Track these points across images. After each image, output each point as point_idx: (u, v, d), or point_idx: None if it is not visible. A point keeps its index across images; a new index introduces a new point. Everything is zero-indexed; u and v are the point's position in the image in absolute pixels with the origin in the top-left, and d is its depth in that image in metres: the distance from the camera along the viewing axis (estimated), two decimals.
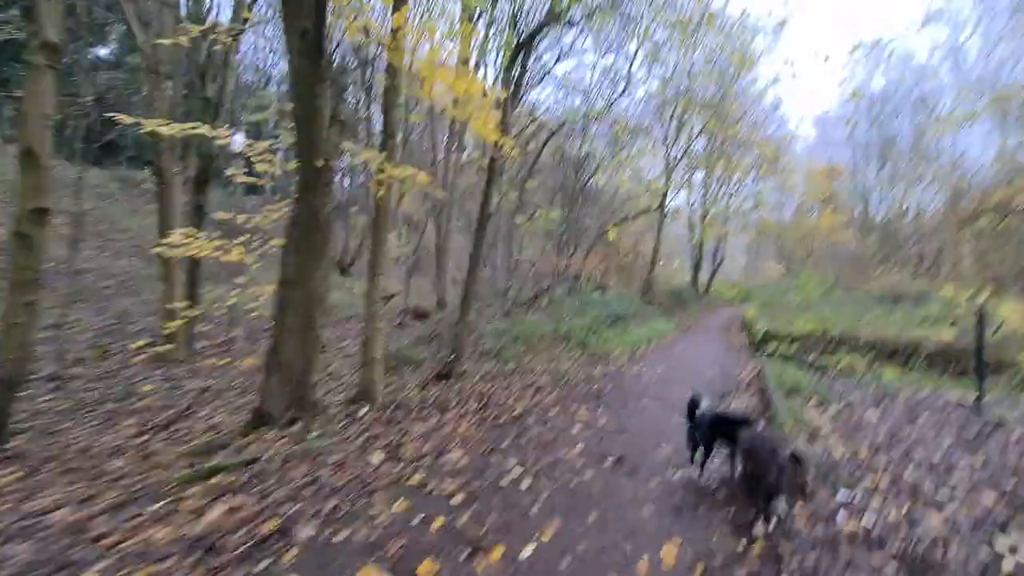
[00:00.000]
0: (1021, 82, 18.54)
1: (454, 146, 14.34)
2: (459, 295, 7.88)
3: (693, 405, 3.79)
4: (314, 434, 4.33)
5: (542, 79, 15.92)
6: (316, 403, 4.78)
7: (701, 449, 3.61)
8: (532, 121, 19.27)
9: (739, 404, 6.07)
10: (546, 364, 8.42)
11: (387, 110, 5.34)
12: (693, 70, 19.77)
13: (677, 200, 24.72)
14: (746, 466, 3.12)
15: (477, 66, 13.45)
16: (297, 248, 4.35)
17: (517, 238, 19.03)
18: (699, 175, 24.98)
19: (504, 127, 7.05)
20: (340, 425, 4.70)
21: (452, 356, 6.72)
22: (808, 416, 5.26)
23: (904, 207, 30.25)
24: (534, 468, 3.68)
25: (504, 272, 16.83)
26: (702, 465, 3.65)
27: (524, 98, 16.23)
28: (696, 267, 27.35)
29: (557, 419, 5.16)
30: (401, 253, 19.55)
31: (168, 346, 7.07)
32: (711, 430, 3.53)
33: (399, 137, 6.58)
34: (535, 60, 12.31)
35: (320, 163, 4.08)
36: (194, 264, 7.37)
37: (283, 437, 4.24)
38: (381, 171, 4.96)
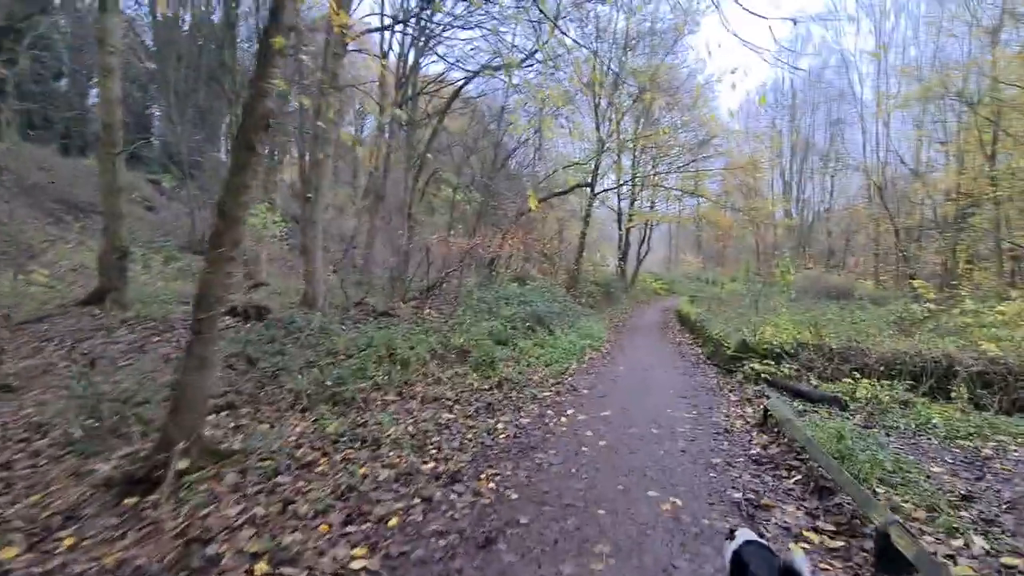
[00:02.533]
0: (945, 71, 17.99)
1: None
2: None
3: None
4: None
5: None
6: None
7: None
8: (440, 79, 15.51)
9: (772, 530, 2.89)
10: (415, 411, 4.82)
11: None
12: (629, 32, 17.11)
13: (606, 182, 22.06)
14: None
15: None
16: None
17: (418, 214, 15.14)
18: (629, 158, 22.56)
19: None
20: None
21: (160, 444, 2.87)
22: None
23: (823, 201, 30.55)
24: None
25: (399, 255, 12.88)
26: None
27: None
28: (623, 257, 25.12)
29: None
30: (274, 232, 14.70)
31: None
32: None
33: None
34: None
35: None
36: None
37: None
38: None
